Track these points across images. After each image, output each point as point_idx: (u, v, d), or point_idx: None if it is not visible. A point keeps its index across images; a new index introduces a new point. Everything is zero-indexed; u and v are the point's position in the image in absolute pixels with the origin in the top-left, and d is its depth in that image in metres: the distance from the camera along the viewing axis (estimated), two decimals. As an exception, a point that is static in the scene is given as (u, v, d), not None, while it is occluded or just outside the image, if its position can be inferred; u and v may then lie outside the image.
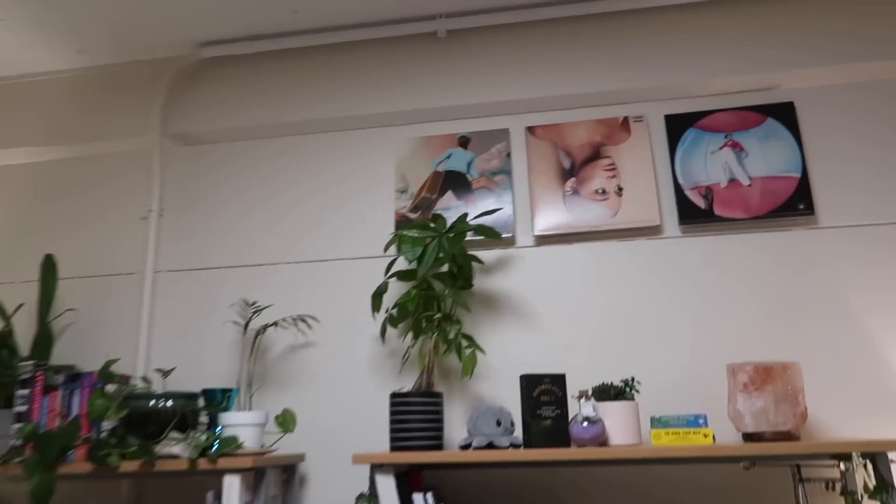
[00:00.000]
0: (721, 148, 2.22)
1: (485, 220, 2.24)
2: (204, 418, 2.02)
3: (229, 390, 1.99)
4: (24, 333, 2.32)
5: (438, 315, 1.96)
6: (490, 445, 1.79)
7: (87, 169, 2.58)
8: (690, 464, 1.95)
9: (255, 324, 2.24)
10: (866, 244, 2.06)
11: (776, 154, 2.18)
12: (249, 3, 2.35)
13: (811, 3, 2.26)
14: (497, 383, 2.11)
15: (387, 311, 2.10)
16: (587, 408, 1.73)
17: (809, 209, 2.10)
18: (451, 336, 1.95)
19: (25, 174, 2.62)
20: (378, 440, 2.12)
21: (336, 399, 2.16)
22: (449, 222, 2.10)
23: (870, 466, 1.76)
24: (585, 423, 1.71)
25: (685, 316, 2.08)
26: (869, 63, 2.16)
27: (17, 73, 2.70)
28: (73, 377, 1.98)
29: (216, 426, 1.95)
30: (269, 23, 2.48)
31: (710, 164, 2.20)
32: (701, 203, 2.17)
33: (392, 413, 1.87)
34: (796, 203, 2.12)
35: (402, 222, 2.30)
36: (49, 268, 2.25)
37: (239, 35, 2.54)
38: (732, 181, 2.17)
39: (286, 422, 1.94)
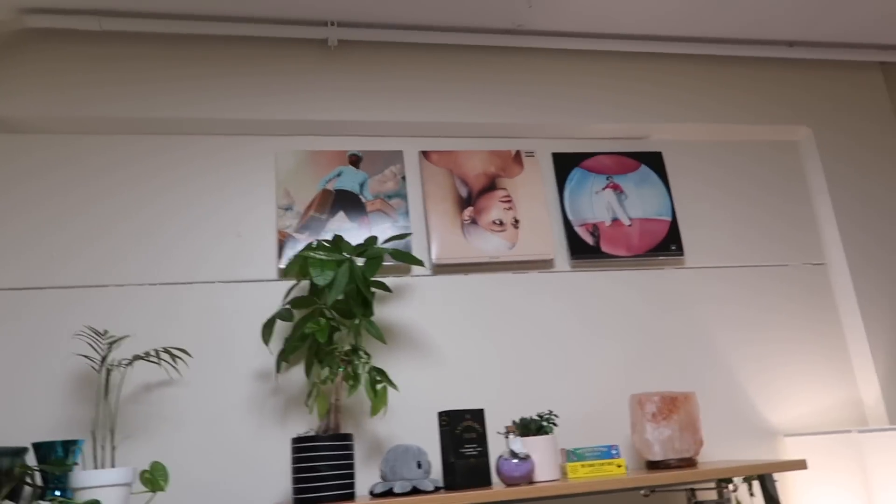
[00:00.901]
0: (604, 189, 2.34)
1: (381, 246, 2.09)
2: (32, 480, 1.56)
3: (74, 442, 1.56)
4: None
5: (347, 347, 1.76)
6: (414, 490, 1.62)
7: None
8: (604, 494, 1.96)
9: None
10: (725, 284, 2.30)
11: (650, 198, 2.35)
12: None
13: (681, 63, 2.52)
14: (394, 421, 1.95)
15: (286, 343, 1.83)
16: (516, 444, 1.66)
17: (679, 250, 2.29)
18: (361, 370, 1.75)
19: None
20: (267, 493, 1.81)
21: (210, 447, 1.82)
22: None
23: (752, 487, 1.92)
24: (516, 460, 1.63)
25: (578, 349, 2.12)
26: (728, 125, 2.45)
27: None
28: None
29: (55, 489, 1.52)
30: (125, -1, 2.09)
31: (595, 203, 2.31)
32: (589, 239, 2.26)
33: (296, 460, 1.62)
34: (669, 244, 2.30)
35: (286, 242, 2.05)
36: None
37: (80, 6, 2.10)
38: (615, 220, 2.30)
39: (156, 478, 1.57)
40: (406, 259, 1.85)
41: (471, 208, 2.21)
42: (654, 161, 2.42)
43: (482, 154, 2.30)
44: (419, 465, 1.66)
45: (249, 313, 1.98)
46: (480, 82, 2.36)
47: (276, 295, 2.01)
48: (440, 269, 2.14)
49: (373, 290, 1.90)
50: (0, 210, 1.94)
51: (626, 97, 2.44)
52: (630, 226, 2.29)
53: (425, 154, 2.26)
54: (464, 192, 2.23)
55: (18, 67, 2.06)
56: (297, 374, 1.93)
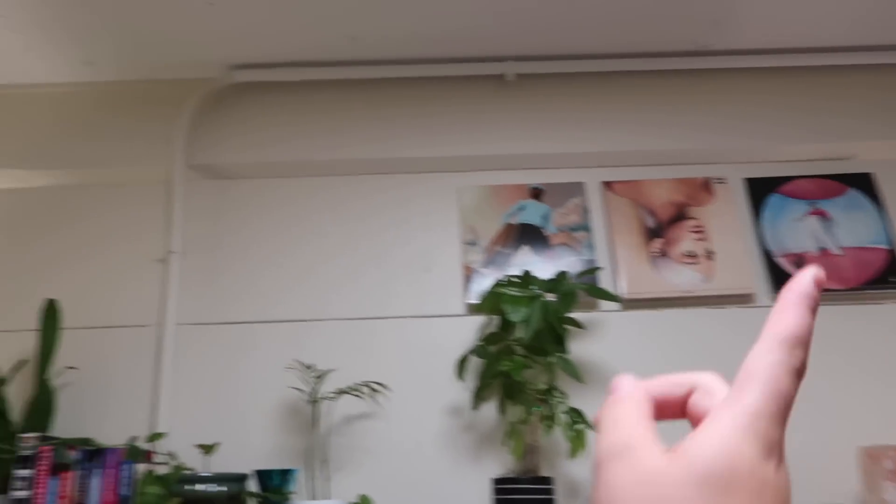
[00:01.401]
0: (806, 215, 2.14)
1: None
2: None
3: (290, 471, 1.63)
4: (12, 395, 1.85)
5: (544, 386, 1.72)
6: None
7: (90, 199, 2.18)
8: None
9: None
10: (961, 321, 2.01)
11: (862, 224, 2.12)
12: (297, 25, 2.10)
13: (887, 74, 2.28)
14: (584, 463, 1.86)
15: (480, 379, 1.82)
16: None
17: (902, 283, 2.04)
18: (559, 410, 1.70)
19: (14, 201, 2.18)
20: (457, 532, 1.80)
21: (407, 481, 1.84)
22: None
23: None
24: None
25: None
26: (951, 140, 2.18)
27: (8, 81, 2.29)
28: (92, 454, 1.57)
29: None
30: (319, 48, 2.23)
31: (797, 232, 2.12)
32: (794, 271, 2.06)
33: (497, 502, 1.59)
34: (889, 275, 2.05)
35: (472, 277, 2.06)
36: (51, 315, 1.82)
37: (280, 59, 2.27)
38: (823, 250, 2.09)
39: (364, 512, 1.60)
40: (602, 295, 1.79)
41: (660, 240, 2.11)
42: (863, 183, 2.18)
43: (668, 182, 2.20)
44: (626, 515, 1.57)
45: (439, 348, 1.99)
46: (662, 108, 2.27)
47: (464, 329, 2.01)
48: (630, 304, 2.05)
49: (565, 326, 1.86)
50: (218, 251, 2.11)
51: (824, 115, 2.24)
52: (840, 256, 2.08)
53: (608, 184, 2.20)
54: (650, 223, 2.14)
55: (222, 119, 2.25)
56: (489, 410, 1.91)
